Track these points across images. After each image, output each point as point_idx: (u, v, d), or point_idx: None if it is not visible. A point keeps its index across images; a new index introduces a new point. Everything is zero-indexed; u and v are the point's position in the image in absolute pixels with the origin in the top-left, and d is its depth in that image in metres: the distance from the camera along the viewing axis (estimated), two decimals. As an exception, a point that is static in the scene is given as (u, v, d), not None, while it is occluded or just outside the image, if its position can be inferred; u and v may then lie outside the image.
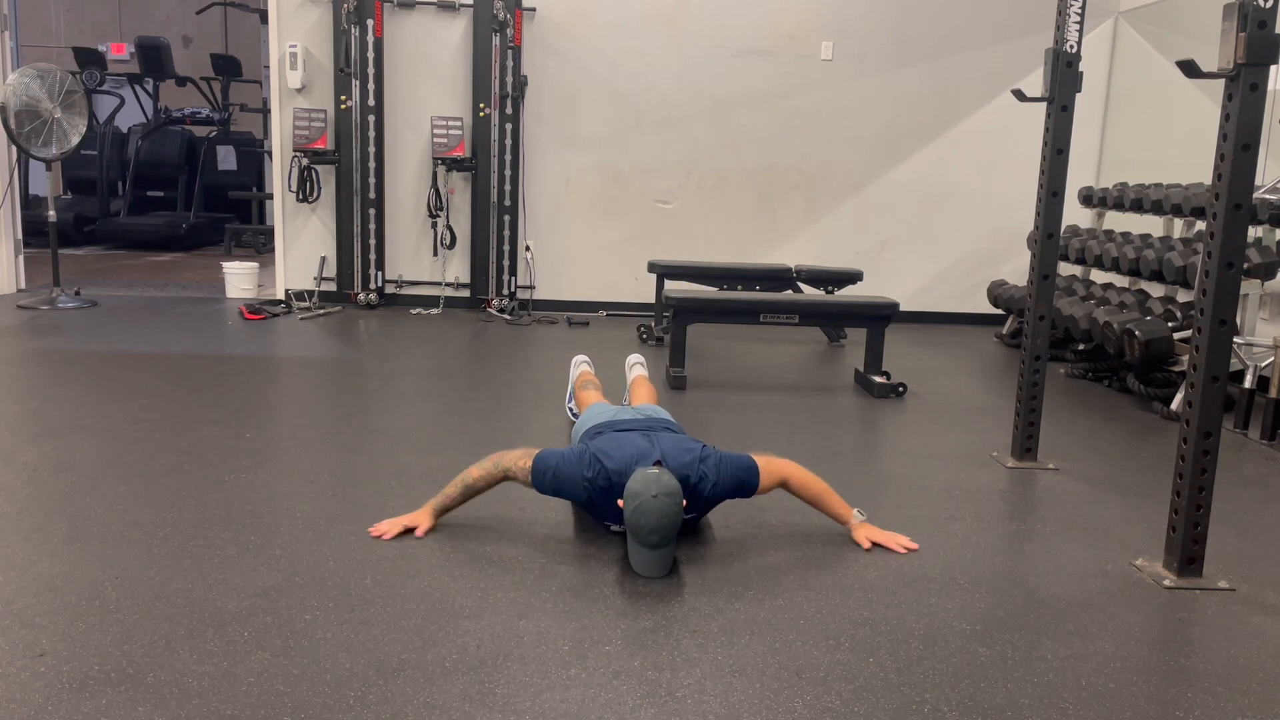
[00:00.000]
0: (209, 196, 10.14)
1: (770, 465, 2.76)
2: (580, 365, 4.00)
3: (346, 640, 2.10)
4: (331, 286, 6.61)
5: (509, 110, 6.39)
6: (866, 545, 2.74)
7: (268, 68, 7.78)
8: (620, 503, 2.51)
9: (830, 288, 5.95)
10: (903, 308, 5.35)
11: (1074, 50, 3.31)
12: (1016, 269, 6.77)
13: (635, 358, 4.06)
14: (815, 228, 6.83)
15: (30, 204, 8.31)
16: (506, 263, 6.58)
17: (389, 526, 2.70)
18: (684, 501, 2.50)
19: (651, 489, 2.43)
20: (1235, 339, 3.90)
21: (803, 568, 2.59)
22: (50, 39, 11.75)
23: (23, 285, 6.82)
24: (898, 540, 2.76)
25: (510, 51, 6.32)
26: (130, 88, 10.23)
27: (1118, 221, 6.06)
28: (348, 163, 6.43)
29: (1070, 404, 4.62)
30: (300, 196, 6.46)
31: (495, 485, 2.75)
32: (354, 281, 6.56)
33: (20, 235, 6.80)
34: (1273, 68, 2.34)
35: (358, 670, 1.98)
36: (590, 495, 2.64)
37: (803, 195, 6.79)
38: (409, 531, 2.69)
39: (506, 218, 6.53)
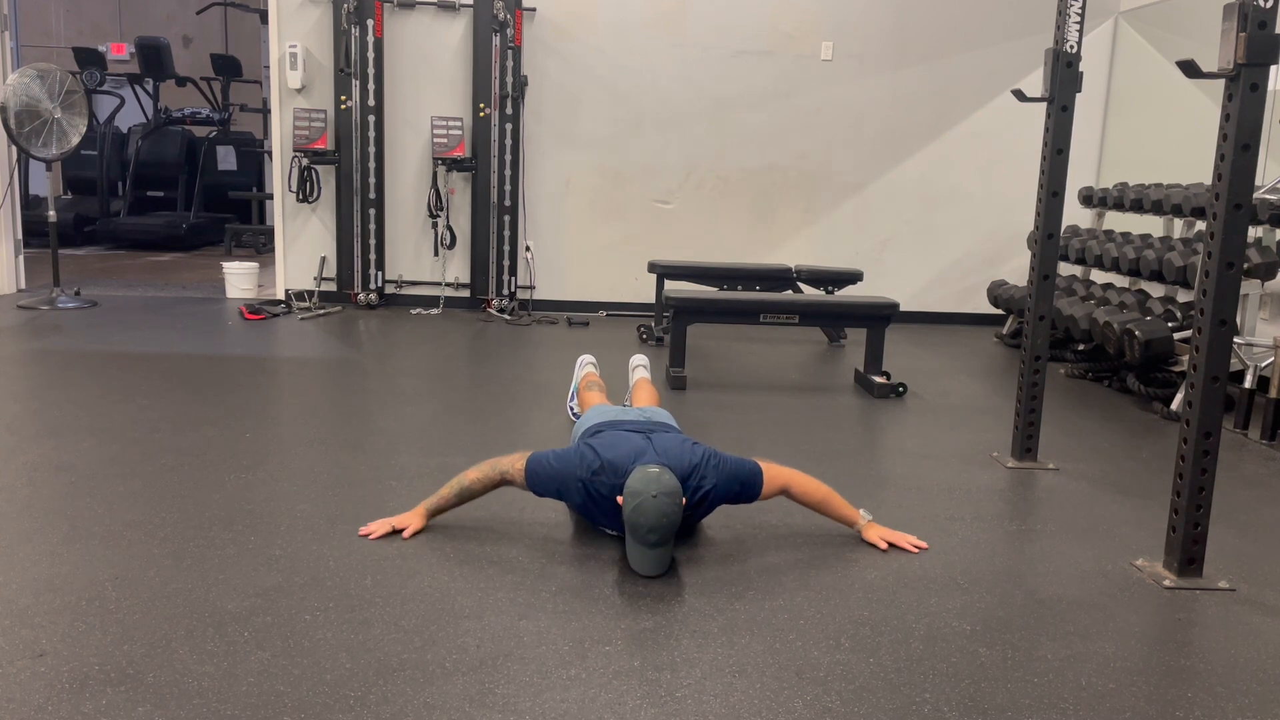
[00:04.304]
0: (209, 196, 10.14)
1: (773, 472, 2.74)
2: (586, 366, 3.98)
3: (346, 640, 2.10)
4: (331, 286, 6.61)
5: (509, 110, 6.39)
6: (884, 546, 2.73)
7: (268, 68, 7.78)
8: (620, 499, 2.50)
9: (830, 288, 5.95)
10: (903, 308, 5.36)
11: (1074, 50, 3.31)
12: (1016, 269, 6.77)
13: (639, 359, 4.05)
14: (815, 228, 6.83)
15: (30, 204, 8.31)
16: (506, 263, 6.58)
17: (377, 526, 2.69)
18: (683, 500, 2.49)
19: (651, 488, 2.42)
20: (1235, 339, 3.90)
21: (803, 568, 2.59)
22: (50, 39, 11.75)
23: (23, 285, 6.82)
24: (909, 540, 2.76)
25: (510, 51, 6.32)
26: (130, 88, 10.23)
27: (1118, 221, 6.06)
28: (348, 163, 6.43)
29: (1070, 404, 4.62)
30: (300, 196, 6.46)
31: (492, 490, 2.74)
32: (354, 281, 6.56)
33: (20, 235, 6.80)
34: (1273, 68, 2.34)
35: (358, 670, 1.98)
36: (586, 496, 2.61)
37: (802, 195, 6.79)
38: (397, 532, 2.67)
39: (506, 218, 6.53)
